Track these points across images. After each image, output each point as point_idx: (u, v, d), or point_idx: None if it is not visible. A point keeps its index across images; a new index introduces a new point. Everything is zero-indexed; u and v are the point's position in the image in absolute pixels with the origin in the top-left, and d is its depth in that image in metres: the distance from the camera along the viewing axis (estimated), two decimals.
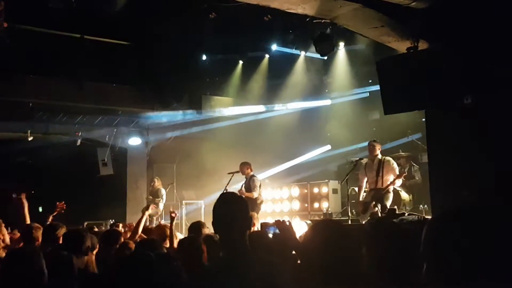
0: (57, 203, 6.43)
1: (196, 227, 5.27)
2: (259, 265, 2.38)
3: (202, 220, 12.92)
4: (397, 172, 8.38)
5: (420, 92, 6.29)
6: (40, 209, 13.31)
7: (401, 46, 7.04)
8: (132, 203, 13.65)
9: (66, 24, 10.68)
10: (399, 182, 8.45)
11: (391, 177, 8.32)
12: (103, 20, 10.53)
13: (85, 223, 11.36)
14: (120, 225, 8.05)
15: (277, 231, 3.55)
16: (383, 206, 7.96)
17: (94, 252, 4.21)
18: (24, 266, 2.16)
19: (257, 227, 6.66)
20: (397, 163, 11.22)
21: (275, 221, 3.51)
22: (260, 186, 10.25)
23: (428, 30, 6.52)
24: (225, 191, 10.11)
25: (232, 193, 3.49)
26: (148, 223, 10.84)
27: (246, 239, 2.51)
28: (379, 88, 7.12)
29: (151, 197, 12.37)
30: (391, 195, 8.30)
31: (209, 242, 4.14)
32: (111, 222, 9.81)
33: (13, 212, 6.55)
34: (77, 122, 13.10)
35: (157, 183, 12.56)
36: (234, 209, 2.55)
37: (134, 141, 13.92)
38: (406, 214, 6.75)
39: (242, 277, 2.33)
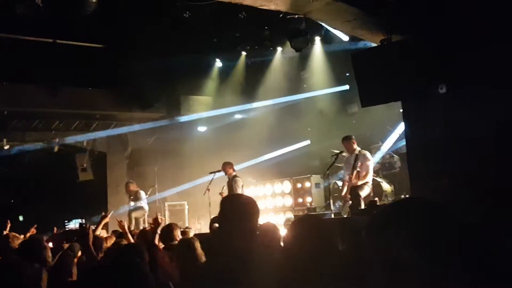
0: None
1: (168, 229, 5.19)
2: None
3: (186, 221, 12.90)
4: (370, 167, 8.41)
5: (395, 83, 6.32)
6: (21, 218, 13.14)
7: (375, 39, 7.07)
8: (114, 208, 13.47)
9: (38, 29, 10.49)
10: (369, 178, 8.45)
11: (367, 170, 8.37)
12: (75, 24, 10.37)
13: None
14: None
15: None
16: (357, 197, 8.01)
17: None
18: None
19: None
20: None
21: None
22: (242, 186, 10.30)
23: (400, 22, 6.55)
24: (207, 190, 10.11)
25: None
26: (134, 227, 10.72)
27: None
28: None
29: (132, 202, 12.04)
30: (366, 187, 8.34)
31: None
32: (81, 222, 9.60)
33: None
34: (53, 128, 12.90)
35: (132, 186, 12.20)
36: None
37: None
38: None
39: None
